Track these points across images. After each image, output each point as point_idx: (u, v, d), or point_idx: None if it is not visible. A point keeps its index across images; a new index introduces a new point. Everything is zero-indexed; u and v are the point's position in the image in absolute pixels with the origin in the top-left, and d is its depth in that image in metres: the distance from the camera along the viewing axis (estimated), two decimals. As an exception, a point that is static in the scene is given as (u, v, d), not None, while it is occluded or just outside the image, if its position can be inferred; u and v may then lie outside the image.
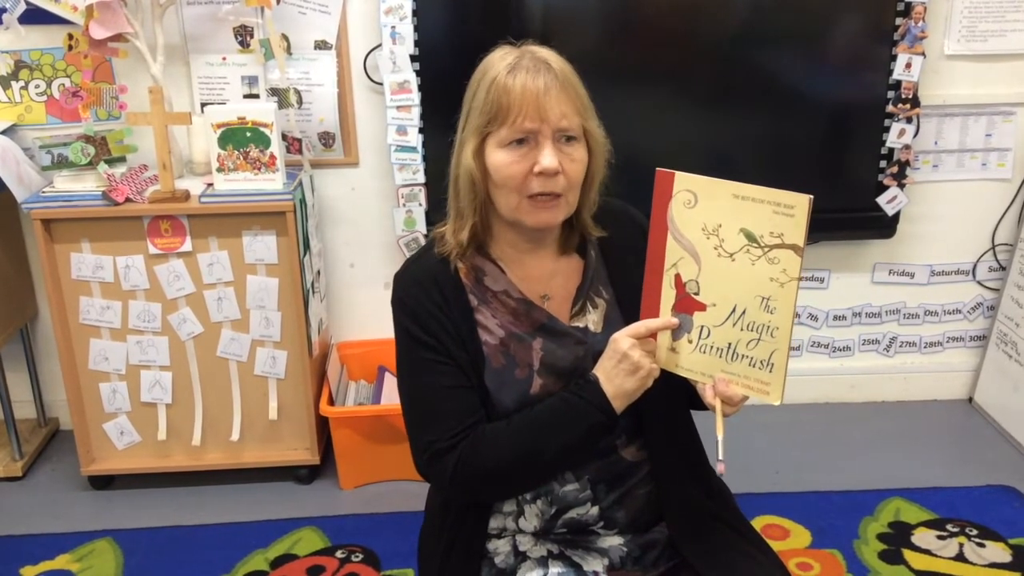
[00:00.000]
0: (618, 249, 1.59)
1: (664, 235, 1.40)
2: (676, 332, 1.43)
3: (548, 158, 1.40)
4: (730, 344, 1.38)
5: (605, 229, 1.58)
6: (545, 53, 1.47)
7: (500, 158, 1.43)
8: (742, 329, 1.36)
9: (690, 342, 1.42)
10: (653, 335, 1.44)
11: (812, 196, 1.26)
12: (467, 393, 1.49)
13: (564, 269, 1.58)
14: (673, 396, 1.55)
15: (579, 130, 1.45)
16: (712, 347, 1.40)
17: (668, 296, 1.42)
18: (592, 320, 1.55)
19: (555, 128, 1.41)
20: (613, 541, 1.56)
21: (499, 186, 1.45)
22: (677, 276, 1.40)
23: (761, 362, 1.36)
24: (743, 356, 1.37)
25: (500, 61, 1.45)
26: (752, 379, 1.37)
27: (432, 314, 1.49)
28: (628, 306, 1.53)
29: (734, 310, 1.36)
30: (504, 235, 1.54)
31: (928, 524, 2.64)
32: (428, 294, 1.50)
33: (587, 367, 1.48)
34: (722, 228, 1.34)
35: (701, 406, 1.51)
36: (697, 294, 1.39)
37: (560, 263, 1.58)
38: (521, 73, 1.41)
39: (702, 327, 1.40)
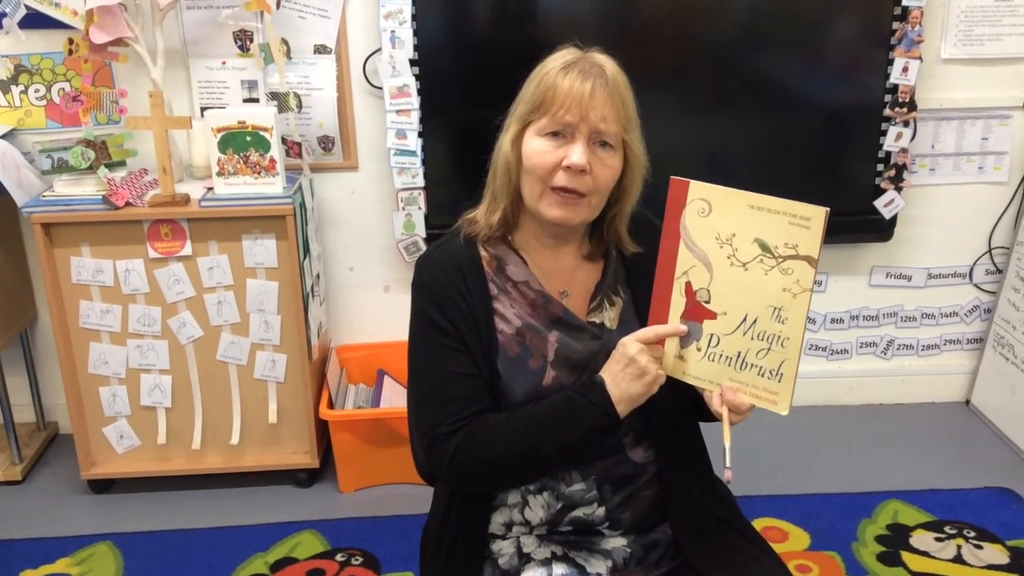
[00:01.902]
0: (638, 253, 1.60)
1: (676, 243, 1.40)
2: (684, 340, 1.43)
3: (577, 154, 1.42)
4: (740, 353, 1.38)
5: (632, 237, 1.60)
6: (603, 59, 1.50)
7: (534, 145, 1.46)
8: (752, 338, 1.36)
9: (699, 350, 1.42)
10: (661, 341, 1.44)
11: (829, 209, 1.27)
12: (475, 381, 1.50)
13: (585, 268, 1.60)
14: (681, 401, 1.56)
15: (617, 139, 1.47)
16: (721, 355, 1.40)
17: (678, 304, 1.42)
18: (608, 317, 1.57)
19: (593, 128, 1.43)
20: (617, 542, 1.57)
21: (527, 172, 1.48)
22: (687, 284, 1.41)
23: (770, 372, 1.36)
24: (752, 365, 1.38)
25: (559, 59, 1.48)
26: (760, 388, 1.38)
27: (451, 299, 1.50)
28: (643, 308, 1.53)
29: (745, 319, 1.37)
30: (529, 226, 1.56)
31: (926, 526, 2.65)
32: (449, 278, 1.52)
33: (600, 363, 1.49)
34: (736, 237, 1.35)
35: (708, 417, 1.52)
36: (708, 302, 1.40)
37: (582, 263, 1.60)
38: (573, 72, 1.45)
39: (712, 335, 1.40)
